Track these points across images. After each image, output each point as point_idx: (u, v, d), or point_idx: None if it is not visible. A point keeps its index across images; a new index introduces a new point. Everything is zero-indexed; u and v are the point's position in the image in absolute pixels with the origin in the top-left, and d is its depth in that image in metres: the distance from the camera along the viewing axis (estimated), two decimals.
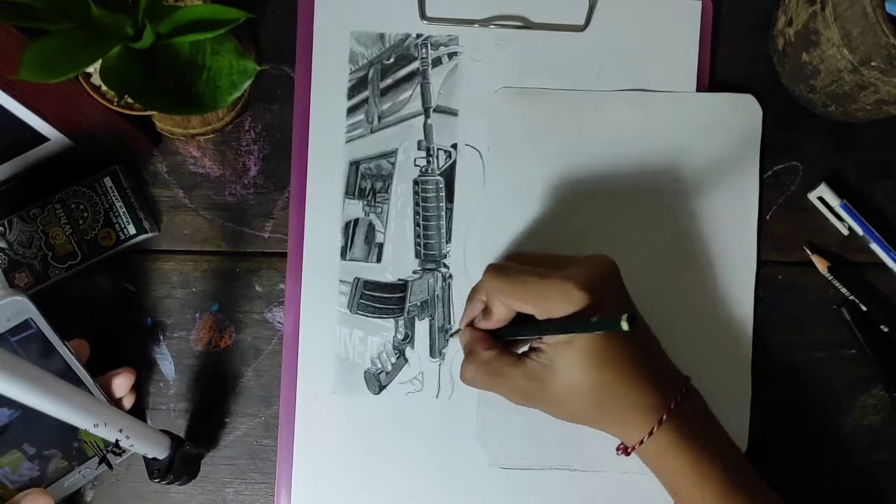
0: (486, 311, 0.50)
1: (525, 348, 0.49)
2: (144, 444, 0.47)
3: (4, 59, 0.42)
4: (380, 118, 0.57)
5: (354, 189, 0.57)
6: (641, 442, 0.47)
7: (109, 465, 0.48)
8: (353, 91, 0.57)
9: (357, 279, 0.57)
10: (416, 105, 0.57)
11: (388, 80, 0.57)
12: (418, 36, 0.57)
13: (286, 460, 0.56)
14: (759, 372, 0.56)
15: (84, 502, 0.56)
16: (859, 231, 0.56)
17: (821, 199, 0.57)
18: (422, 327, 0.57)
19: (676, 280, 0.56)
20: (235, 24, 0.44)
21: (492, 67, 0.57)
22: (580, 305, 0.44)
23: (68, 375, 0.46)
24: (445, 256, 0.57)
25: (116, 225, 0.55)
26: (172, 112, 0.48)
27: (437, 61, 0.57)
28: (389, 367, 0.57)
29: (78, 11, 0.41)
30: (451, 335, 0.56)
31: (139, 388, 0.54)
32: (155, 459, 0.49)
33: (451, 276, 0.57)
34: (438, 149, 0.57)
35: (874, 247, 0.56)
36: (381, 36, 0.57)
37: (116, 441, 0.45)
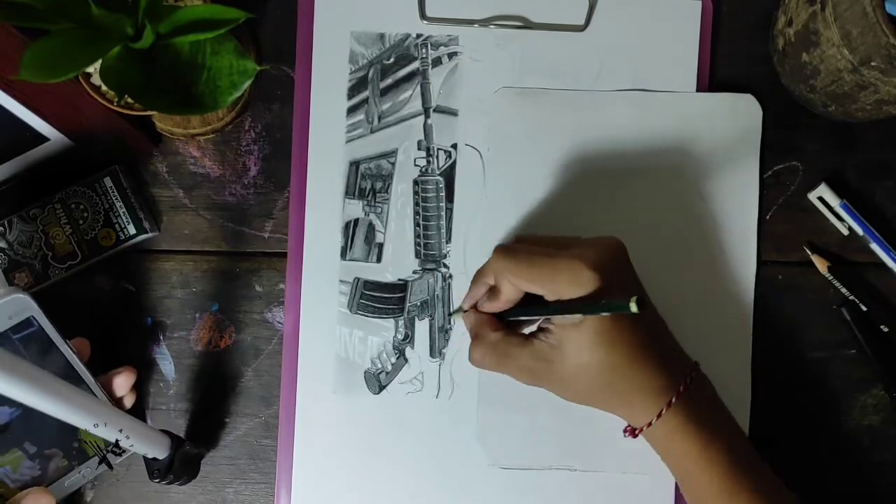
0: (494, 293, 0.50)
1: (533, 328, 0.50)
2: (144, 444, 0.47)
3: (4, 59, 0.42)
4: (380, 118, 0.57)
5: (354, 189, 0.57)
6: (650, 424, 0.47)
7: (109, 465, 0.48)
8: (353, 91, 0.57)
9: (357, 279, 0.57)
10: (416, 105, 0.57)
11: (388, 80, 0.57)
12: (418, 36, 0.57)
13: (286, 460, 0.56)
14: (758, 372, 0.56)
15: (84, 502, 0.56)
16: (859, 231, 0.56)
17: (821, 199, 0.57)
18: (422, 327, 0.57)
19: (676, 280, 0.56)
20: (235, 24, 0.44)
21: (492, 67, 0.57)
22: (590, 286, 0.45)
23: (69, 374, 0.46)
24: (445, 256, 0.57)
25: (116, 225, 0.55)
26: (172, 112, 0.48)
27: (437, 61, 0.57)
28: (389, 367, 0.57)
29: (78, 11, 0.41)
30: (454, 313, 0.56)
31: (139, 388, 0.54)
32: (155, 459, 0.49)
33: (451, 276, 0.57)
34: (438, 149, 0.57)
35: (874, 247, 0.56)
36: (381, 36, 0.57)
37: (116, 441, 0.45)
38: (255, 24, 0.58)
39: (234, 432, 0.57)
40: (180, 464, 0.50)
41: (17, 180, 0.54)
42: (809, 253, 0.57)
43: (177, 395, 0.57)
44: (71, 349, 0.46)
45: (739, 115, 0.57)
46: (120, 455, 0.48)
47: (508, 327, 0.50)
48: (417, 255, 0.57)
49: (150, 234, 0.56)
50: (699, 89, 0.57)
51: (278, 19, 0.58)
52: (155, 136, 0.57)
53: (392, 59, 0.57)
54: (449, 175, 0.57)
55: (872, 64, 0.47)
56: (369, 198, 0.57)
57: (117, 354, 0.57)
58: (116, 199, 0.55)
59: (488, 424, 0.56)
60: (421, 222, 0.57)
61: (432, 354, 0.57)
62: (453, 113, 0.57)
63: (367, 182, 0.57)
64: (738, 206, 0.57)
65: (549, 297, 0.47)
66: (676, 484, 0.51)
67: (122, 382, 0.49)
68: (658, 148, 0.57)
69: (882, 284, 0.57)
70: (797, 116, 0.58)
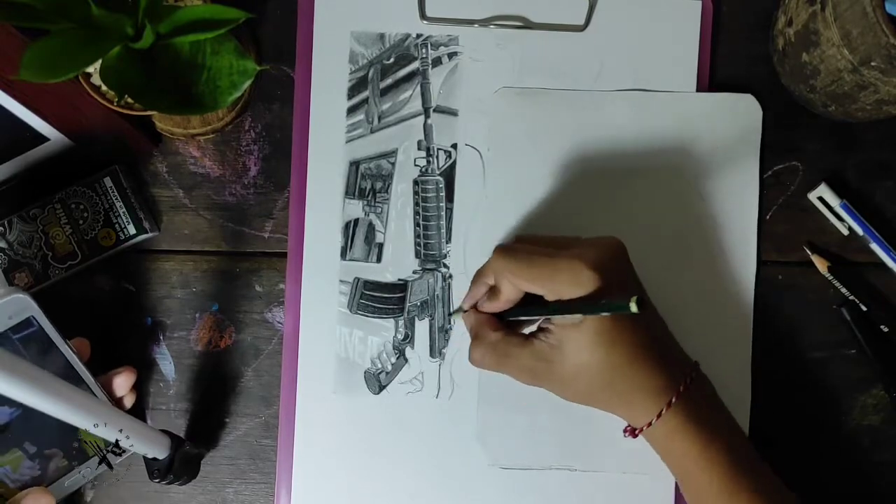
0: (494, 292, 0.50)
1: (533, 328, 0.50)
2: (144, 444, 0.47)
3: (4, 59, 0.42)
4: (380, 118, 0.57)
5: (354, 189, 0.57)
6: (650, 424, 0.47)
7: (109, 465, 0.48)
8: (353, 91, 0.57)
9: (357, 279, 0.57)
10: (416, 105, 0.57)
11: (388, 80, 0.57)
12: (418, 36, 0.57)
13: (286, 460, 0.56)
14: (758, 372, 0.56)
15: (84, 502, 0.56)
16: (859, 231, 0.56)
17: (821, 199, 0.57)
18: (422, 327, 0.57)
19: (676, 280, 0.56)
20: (235, 24, 0.44)
21: (492, 67, 0.57)
22: (590, 286, 0.45)
23: (70, 374, 0.46)
24: (445, 256, 0.57)
25: (116, 225, 0.55)
26: (172, 112, 0.48)
27: (437, 61, 0.57)
28: (389, 367, 0.57)
29: (78, 11, 0.41)
30: (454, 313, 0.56)
31: (139, 388, 0.54)
32: (155, 459, 0.49)
33: (451, 276, 0.57)
34: (438, 149, 0.57)
35: (874, 247, 0.56)
36: (381, 36, 0.57)
37: (116, 441, 0.45)
38: (255, 24, 0.58)
39: (234, 432, 0.57)
40: (180, 464, 0.50)
41: (17, 180, 0.54)
42: (809, 253, 0.57)
43: (177, 395, 0.57)
44: (71, 349, 0.46)
45: (739, 115, 0.57)
46: (120, 455, 0.48)
47: (508, 327, 0.50)
48: (417, 255, 0.57)
49: (150, 234, 0.56)
50: (699, 89, 0.57)
51: (278, 19, 0.58)
52: (155, 136, 0.57)
53: (392, 59, 0.57)
54: (449, 175, 0.57)
55: (872, 64, 0.47)
56: (369, 198, 0.57)
57: (117, 354, 0.57)
58: (116, 199, 0.55)
59: (488, 424, 0.56)
60: (421, 222, 0.57)
61: (432, 354, 0.57)
62: (453, 113, 0.57)
63: (367, 182, 0.57)
64: (738, 206, 0.57)
65: (549, 297, 0.47)
66: (676, 484, 0.51)
67: (122, 382, 0.49)
68: (658, 148, 0.57)
69: (882, 284, 0.57)
70: (797, 116, 0.58)
